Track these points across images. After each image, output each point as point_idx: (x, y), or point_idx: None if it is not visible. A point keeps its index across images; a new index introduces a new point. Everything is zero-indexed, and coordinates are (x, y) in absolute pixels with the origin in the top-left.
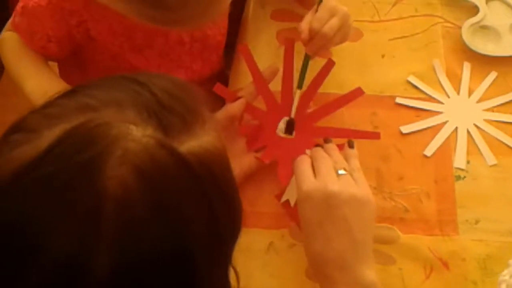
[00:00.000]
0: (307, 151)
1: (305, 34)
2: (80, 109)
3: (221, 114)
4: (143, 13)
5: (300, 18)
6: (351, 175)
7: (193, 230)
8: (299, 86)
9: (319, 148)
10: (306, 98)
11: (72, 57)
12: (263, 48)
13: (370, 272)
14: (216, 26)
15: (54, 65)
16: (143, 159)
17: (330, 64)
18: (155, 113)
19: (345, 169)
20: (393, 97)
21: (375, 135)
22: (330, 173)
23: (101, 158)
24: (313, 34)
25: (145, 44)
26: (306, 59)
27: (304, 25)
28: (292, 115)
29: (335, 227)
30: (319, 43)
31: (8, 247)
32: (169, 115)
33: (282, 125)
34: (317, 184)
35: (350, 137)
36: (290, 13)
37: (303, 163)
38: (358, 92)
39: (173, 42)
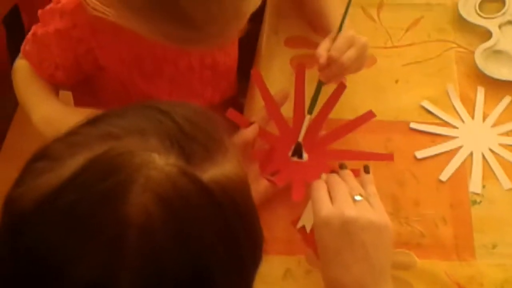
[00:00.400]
0: (322, 175)
1: (323, 60)
2: (102, 137)
3: (235, 140)
4: (169, 34)
5: (314, 45)
6: (368, 200)
7: (214, 258)
8: (310, 112)
9: (334, 175)
10: (317, 122)
11: (84, 85)
12: (277, 74)
13: None
14: (226, 53)
15: (69, 93)
16: (165, 187)
17: (341, 88)
18: (178, 141)
19: (361, 195)
20: (408, 123)
21: (388, 157)
22: (346, 199)
23: (124, 186)
24: (330, 62)
25: (155, 72)
26: (319, 85)
27: (322, 52)
28: (300, 139)
29: (353, 254)
30: (335, 71)
31: (31, 275)
32: (191, 143)
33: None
34: (334, 211)
35: (363, 159)
36: (304, 39)
37: (320, 189)
38: (369, 115)
39: (183, 69)
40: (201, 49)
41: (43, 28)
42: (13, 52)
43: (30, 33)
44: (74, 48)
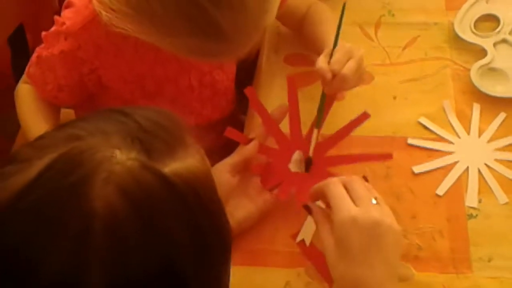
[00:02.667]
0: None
1: (328, 75)
2: (67, 139)
3: (236, 157)
4: (192, 46)
5: (313, 62)
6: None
7: (181, 250)
8: (317, 126)
9: (355, 177)
10: (330, 143)
11: (87, 104)
12: (277, 91)
13: None
14: (224, 72)
15: (71, 111)
16: (127, 180)
17: (364, 116)
18: (139, 138)
19: (376, 199)
20: (405, 138)
21: (387, 156)
22: (371, 202)
23: (87, 180)
24: (332, 76)
25: (156, 91)
26: (323, 98)
27: (324, 65)
28: (310, 154)
29: (380, 256)
30: (338, 84)
31: (7, 272)
32: (152, 140)
33: (295, 158)
34: (364, 211)
35: (362, 161)
36: (303, 57)
37: (340, 188)
38: (364, 116)
39: (183, 88)
40: (220, 60)
41: (47, 50)
42: (18, 71)
43: (34, 56)
44: (79, 68)
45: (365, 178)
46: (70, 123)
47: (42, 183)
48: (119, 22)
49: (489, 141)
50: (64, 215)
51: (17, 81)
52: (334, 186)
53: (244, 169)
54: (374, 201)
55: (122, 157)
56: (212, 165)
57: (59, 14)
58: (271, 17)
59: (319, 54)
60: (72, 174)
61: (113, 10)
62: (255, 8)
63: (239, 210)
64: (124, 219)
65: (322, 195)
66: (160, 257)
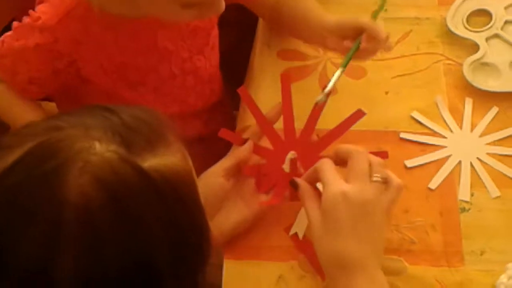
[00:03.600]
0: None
1: (383, 33)
2: (48, 129)
3: (230, 160)
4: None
5: (306, 57)
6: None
7: (156, 245)
8: (343, 65)
9: (362, 150)
10: (325, 142)
11: (68, 95)
12: (270, 85)
13: (382, 274)
14: (206, 58)
15: (53, 104)
16: (104, 171)
17: (359, 114)
18: (120, 133)
19: (378, 176)
20: (398, 132)
21: (383, 154)
22: (366, 178)
23: (62, 168)
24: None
25: (138, 81)
26: (356, 46)
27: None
28: (328, 89)
29: (368, 232)
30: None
31: None
32: (133, 135)
33: (289, 159)
34: (356, 188)
35: None
36: (296, 52)
37: (328, 165)
38: (359, 114)
39: (165, 77)
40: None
41: (18, 42)
42: None
43: (3, 46)
44: (54, 62)
45: (385, 154)
46: (55, 116)
47: (18, 170)
48: None
49: (481, 135)
50: (36, 202)
51: None
52: (327, 163)
53: (238, 172)
54: (376, 178)
55: (101, 149)
56: (198, 154)
57: None
58: None
59: (302, 36)
60: (48, 162)
61: None
62: None
63: (234, 214)
64: (98, 210)
65: (316, 176)
66: (134, 250)
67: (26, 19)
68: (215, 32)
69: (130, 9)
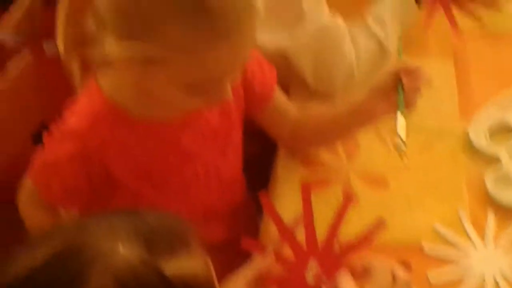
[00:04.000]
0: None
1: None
2: (76, 230)
3: (251, 271)
4: (182, 36)
5: (329, 166)
6: None
7: None
8: (400, 109)
9: (385, 263)
10: (345, 253)
11: (93, 200)
12: (292, 193)
13: None
14: (229, 162)
15: None
16: (125, 273)
17: (348, 200)
18: (144, 236)
19: None
20: (420, 245)
21: (406, 268)
22: None
23: (86, 269)
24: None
25: (163, 182)
26: (401, 91)
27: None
28: (401, 138)
29: None
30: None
31: None
32: (156, 238)
33: (311, 268)
34: None
35: None
36: (319, 161)
37: (347, 280)
38: (380, 225)
39: (189, 179)
40: (216, 66)
41: (53, 155)
42: None
43: (38, 161)
44: (87, 168)
45: (407, 266)
46: (83, 217)
47: (44, 268)
48: (115, 54)
49: (504, 251)
50: None
51: None
52: (346, 279)
53: (260, 283)
54: None
55: (124, 251)
56: (221, 259)
57: None
58: (260, 7)
59: (341, 133)
60: (73, 263)
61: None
62: None
63: None
64: None
65: None
66: None
67: (55, 129)
68: (238, 133)
69: (148, 107)
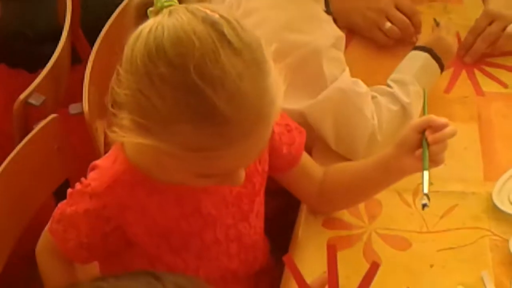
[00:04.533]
0: None
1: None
2: None
3: None
4: (195, 139)
5: (351, 226)
6: None
7: None
8: (425, 168)
9: None
10: None
11: (111, 258)
12: (314, 255)
13: None
14: (251, 226)
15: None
16: None
17: (374, 267)
18: None
19: None
20: None
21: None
22: None
23: None
24: None
25: (181, 246)
26: (425, 145)
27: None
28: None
29: None
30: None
31: None
32: None
33: None
34: None
35: None
36: (341, 221)
37: None
38: (375, 267)
39: (209, 243)
40: (227, 163)
41: (71, 208)
42: None
43: (56, 212)
44: (103, 227)
45: None
46: (103, 277)
47: None
48: (127, 135)
49: None
50: None
51: None
52: None
53: None
54: None
55: None
56: None
57: None
58: (273, 110)
59: (372, 189)
60: None
61: (120, 128)
62: (252, 93)
63: None
64: None
65: None
66: None
67: (78, 186)
68: (260, 199)
69: (167, 174)
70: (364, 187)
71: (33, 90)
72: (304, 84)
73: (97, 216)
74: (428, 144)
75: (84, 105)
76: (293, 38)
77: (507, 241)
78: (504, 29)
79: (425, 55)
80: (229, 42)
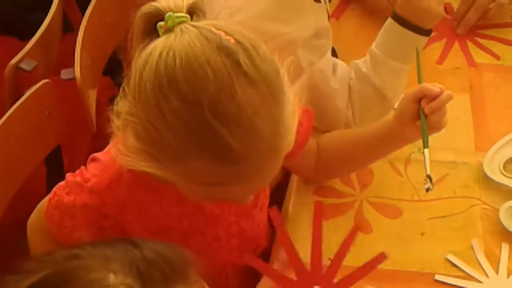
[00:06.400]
0: None
1: (437, 89)
2: (68, 257)
3: None
4: (206, 173)
5: (342, 194)
6: None
7: None
8: (425, 146)
9: None
10: (347, 282)
11: None
12: (305, 222)
13: None
14: (253, 221)
15: None
16: None
17: (381, 257)
18: (138, 267)
19: None
20: (433, 274)
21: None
22: None
23: None
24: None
25: (182, 243)
26: (423, 119)
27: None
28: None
29: None
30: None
31: None
32: (151, 269)
33: None
34: None
35: None
36: (332, 189)
37: None
38: (381, 258)
39: (210, 240)
40: (235, 192)
41: (69, 198)
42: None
43: (54, 198)
44: (100, 222)
45: None
46: (79, 245)
47: None
48: (134, 161)
49: None
50: None
51: None
52: None
53: None
54: None
55: (116, 281)
56: None
57: (97, 140)
58: (287, 142)
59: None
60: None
61: (127, 150)
62: (267, 129)
63: None
64: None
65: None
66: None
67: (78, 177)
68: (266, 193)
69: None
70: (365, 156)
71: (24, 55)
72: None
73: (96, 211)
74: (426, 117)
75: (76, 70)
76: (269, 28)
77: (497, 210)
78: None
79: (401, 29)
80: (245, 73)
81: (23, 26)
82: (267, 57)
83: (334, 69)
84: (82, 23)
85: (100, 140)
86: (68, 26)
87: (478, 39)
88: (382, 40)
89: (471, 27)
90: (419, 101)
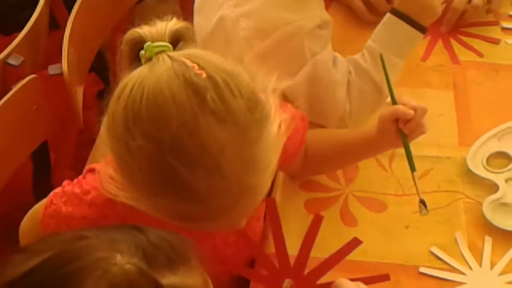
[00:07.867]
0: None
1: (411, 112)
2: (74, 238)
3: None
4: (176, 211)
5: (327, 188)
6: None
7: None
8: (413, 169)
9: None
10: (321, 270)
11: None
12: (291, 217)
13: None
14: (251, 229)
15: None
16: (121, 281)
17: (355, 243)
18: (143, 248)
19: None
20: (417, 267)
21: (385, 277)
22: None
23: (81, 274)
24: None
25: None
26: (405, 141)
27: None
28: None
29: None
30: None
31: None
32: (156, 252)
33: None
34: None
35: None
36: (318, 184)
37: None
38: (355, 243)
39: (206, 251)
40: (206, 227)
41: (67, 208)
42: (38, 188)
43: (50, 206)
44: None
45: (386, 277)
46: (86, 229)
47: (36, 273)
48: (114, 190)
49: (500, 274)
50: None
51: (36, 197)
52: None
53: None
54: None
55: (122, 261)
56: None
57: (83, 135)
58: (265, 176)
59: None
60: (67, 267)
61: (111, 179)
62: (235, 169)
63: None
64: None
65: None
66: None
67: (76, 187)
68: (262, 204)
69: None
70: (353, 158)
71: (11, 50)
72: (285, 62)
73: (95, 223)
74: (405, 135)
75: (63, 65)
76: (280, 15)
77: (480, 203)
78: (470, 1)
79: (405, 26)
80: (212, 111)
81: (11, 25)
82: (242, 92)
83: (334, 62)
84: (69, 19)
85: (86, 135)
86: (55, 24)
87: (462, 37)
88: (382, 36)
89: (454, 25)
90: (396, 120)
